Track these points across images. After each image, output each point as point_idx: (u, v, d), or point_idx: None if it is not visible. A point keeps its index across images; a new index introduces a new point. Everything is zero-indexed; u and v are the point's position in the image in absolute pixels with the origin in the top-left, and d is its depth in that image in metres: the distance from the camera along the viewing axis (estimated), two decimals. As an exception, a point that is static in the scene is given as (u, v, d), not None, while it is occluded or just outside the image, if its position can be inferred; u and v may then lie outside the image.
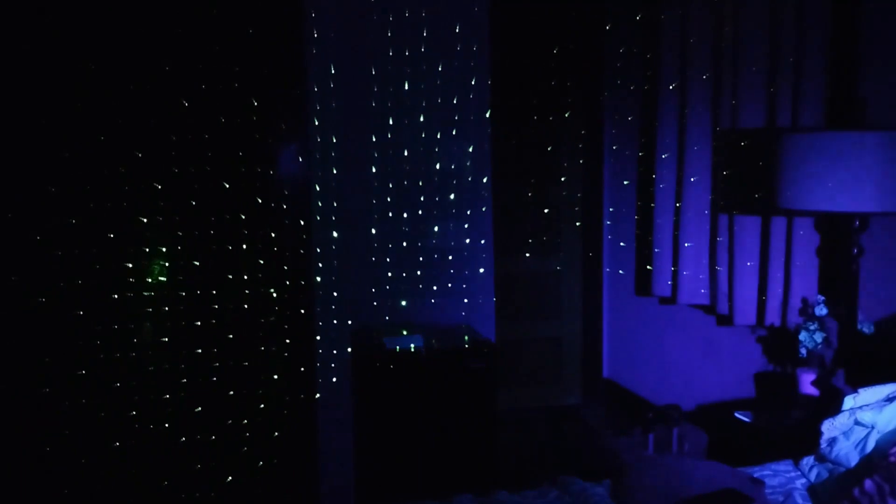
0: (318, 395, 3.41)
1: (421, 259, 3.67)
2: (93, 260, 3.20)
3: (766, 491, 2.19)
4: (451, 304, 3.72)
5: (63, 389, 3.21)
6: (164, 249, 3.28)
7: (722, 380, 3.38)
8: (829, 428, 2.28)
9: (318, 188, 3.37)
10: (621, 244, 3.91)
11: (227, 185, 3.30)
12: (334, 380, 3.43)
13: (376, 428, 3.36)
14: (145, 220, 3.23)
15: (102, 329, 3.25)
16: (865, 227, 2.75)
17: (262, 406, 3.42)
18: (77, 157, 3.14)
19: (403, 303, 3.66)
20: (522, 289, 4.23)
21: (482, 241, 3.73)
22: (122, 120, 3.17)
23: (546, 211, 4.19)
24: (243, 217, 3.33)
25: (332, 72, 3.32)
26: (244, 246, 3.34)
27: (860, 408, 2.27)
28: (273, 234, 3.37)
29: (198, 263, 3.30)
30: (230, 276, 3.34)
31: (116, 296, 3.25)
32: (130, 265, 3.25)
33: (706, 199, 3.35)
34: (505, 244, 3.94)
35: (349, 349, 3.47)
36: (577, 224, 4.15)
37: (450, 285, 3.72)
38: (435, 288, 3.70)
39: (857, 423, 2.26)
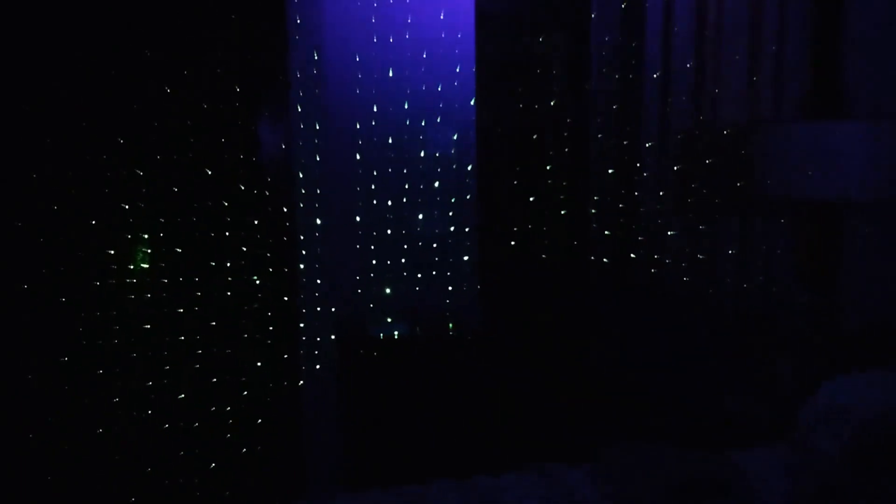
0: (301, 383, 3.41)
1: (405, 246, 3.67)
2: (74, 247, 3.18)
3: (747, 476, 2.21)
4: (435, 291, 3.72)
5: (45, 376, 3.20)
6: (145, 236, 3.26)
7: (704, 366, 3.40)
8: (809, 414, 2.30)
9: (301, 175, 3.36)
10: (606, 233, 3.92)
11: (210, 172, 3.28)
12: (318, 367, 3.43)
13: (360, 414, 3.37)
14: (127, 207, 3.22)
15: (85, 316, 3.23)
16: (848, 215, 2.77)
17: (246, 393, 3.42)
18: (59, 143, 3.12)
19: (388, 290, 3.66)
20: (507, 277, 4.22)
21: (466, 229, 3.73)
22: (104, 106, 3.15)
23: (531, 199, 4.19)
24: (226, 204, 3.31)
25: (315, 58, 3.31)
26: (227, 233, 3.33)
27: (839, 394, 2.28)
28: (256, 222, 3.36)
29: (180, 251, 3.29)
30: (213, 264, 3.33)
31: (98, 283, 3.23)
32: (112, 252, 3.23)
33: (689, 187, 3.36)
34: (489, 232, 3.94)
35: (333, 336, 3.46)
36: (563, 212, 4.15)
37: (434, 273, 3.72)
38: (419, 275, 3.70)
39: (836, 409, 2.28)
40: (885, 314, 2.67)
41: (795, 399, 2.54)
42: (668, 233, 3.42)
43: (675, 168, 3.37)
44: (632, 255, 3.68)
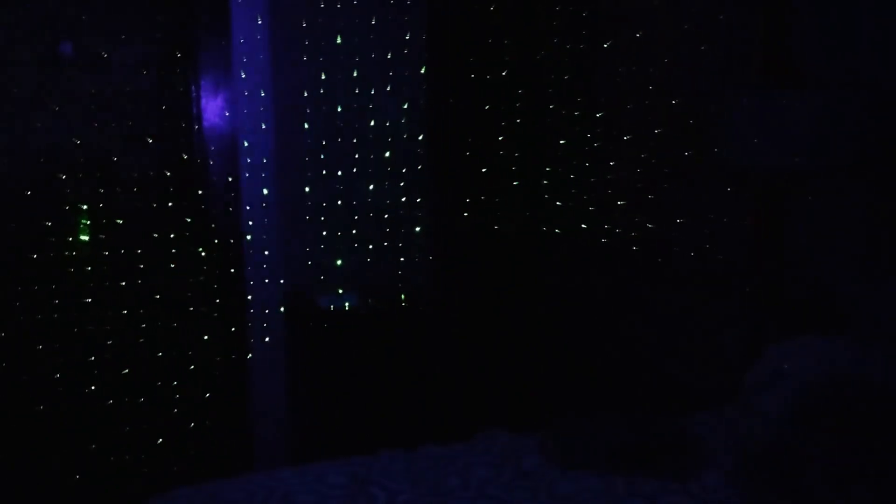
0: (249, 356, 3.36)
1: (356, 217, 3.62)
2: (10, 219, 3.07)
3: (692, 439, 2.22)
4: (386, 262, 3.68)
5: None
6: (84, 207, 3.16)
7: (648, 331, 3.42)
8: (754, 378, 2.32)
9: (246, 144, 3.28)
10: (557, 203, 3.91)
11: (151, 140, 3.18)
12: (266, 340, 3.38)
13: (309, 387, 3.33)
14: (64, 177, 3.11)
15: (23, 290, 3.13)
16: (795, 184, 2.79)
17: (192, 367, 3.35)
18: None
19: (338, 262, 3.61)
20: (459, 248, 4.20)
21: (418, 200, 3.69)
22: (37, 70, 3.03)
23: (483, 170, 4.16)
24: (168, 174, 3.22)
25: (259, 22, 3.22)
26: (170, 203, 3.24)
27: (784, 359, 2.31)
28: (200, 192, 3.27)
29: (121, 222, 3.19)
30: (156, 235, 3.24)
31: (36, 255, 3.13)
32: (50, 224, 3.12)
33: (639, 157, 3.36)
34: (441, 203, 3.90)
35: (282, 309, 3.41)
36: (515, 183, 4.13)
37: (385, 244, 3.68)
38: (370, 247, 3.65)
39: (780, 373, 2.30)
40: (829, 281, 2.71)
41: (741, 364, 2.57)
42: (618, 203, 3.43)
43: (625, 138, 3.37)
44: (583, 226, 3.68)
